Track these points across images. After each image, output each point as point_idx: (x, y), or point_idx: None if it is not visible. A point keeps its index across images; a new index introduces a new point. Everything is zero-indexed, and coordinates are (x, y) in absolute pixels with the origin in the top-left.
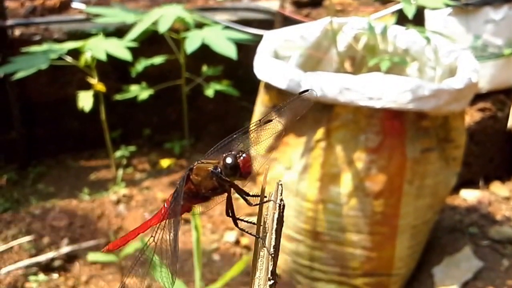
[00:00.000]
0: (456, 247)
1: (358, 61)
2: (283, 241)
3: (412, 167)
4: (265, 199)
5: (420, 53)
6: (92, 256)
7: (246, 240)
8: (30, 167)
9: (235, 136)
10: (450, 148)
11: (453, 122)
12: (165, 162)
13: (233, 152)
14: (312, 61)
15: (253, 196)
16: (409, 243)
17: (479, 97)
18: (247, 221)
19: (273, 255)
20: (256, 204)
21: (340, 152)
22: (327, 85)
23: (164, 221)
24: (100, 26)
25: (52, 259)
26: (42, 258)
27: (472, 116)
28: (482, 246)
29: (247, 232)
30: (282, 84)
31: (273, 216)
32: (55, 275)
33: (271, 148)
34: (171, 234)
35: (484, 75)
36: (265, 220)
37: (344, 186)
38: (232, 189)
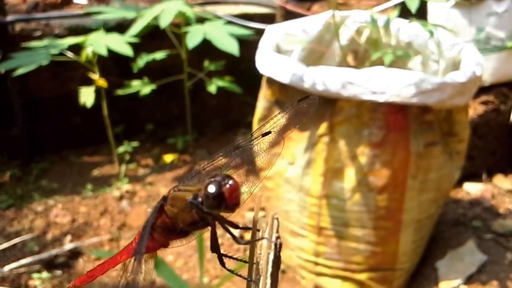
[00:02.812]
0: (459, 241)
1: (360, 55)
2: (287, 237)
3: (415, 162)
4: (257, 236)
5: (423, 46)
6: (95, 253)
7: (249, 236)
8: (33, 163)
9: (223, 153)
10: (454, 142)
11: (457, 116)
12: (168, 158)
13: (217, 178)
14: (314, 55)
15: (242, 228)
16: (413, 238)
17: (482, 90)
18: (236, 259)
19: None
20: (247, 243)
21: (343, 147)
22: (329, 79)
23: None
24: (100, 21)
25: (55, 256)
26: (45, 255)
27: (475, 109)
28: (486, 239)
29: (236, 274)
30: (284, 79)
31: (268, 257)
32: (58, 272)
33: (268, 164)
34: (129, 278)
35: (487, 68)
36: (258, 260)
37: (348, 181)
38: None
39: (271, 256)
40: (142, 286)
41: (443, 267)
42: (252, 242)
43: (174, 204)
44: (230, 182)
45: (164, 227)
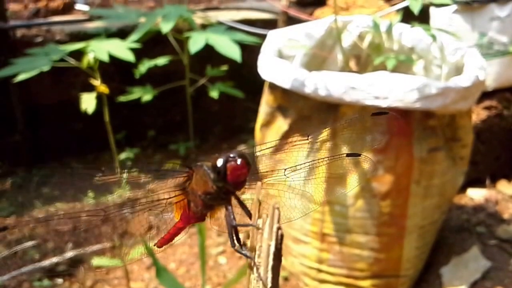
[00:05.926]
0: (463, 247)
1: (363, 60)
2: (290, 243)
3: (419, 167)
4: (249, 223)
5: (426, 51)
6: (97, 261)
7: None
8: (34, 170)
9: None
10: (457, 147)
11: (460, 121)
12: (170, 164)
13: (230, 154)
14: (317, 60)
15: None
16: (417, 244)
17: (485, 95)
18: (247, 225)
19: None
20: (240, 225)
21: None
22: (332, 84)
23: None
24: (102, 27)
25: (57, 264)
26: (46, 263)
27: (478, 115)
28: (490, 245)
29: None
30: (286, 84)
31: (268, 249)
32: (59, 280)
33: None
34: None
35: (490, 73)
36: (259, 252)
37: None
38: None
39: (272, 248)
40: None
41: (447, 273)
42: (245, 226)
43: (197, 172)
44: (239, 160)
45: (194, 196)
